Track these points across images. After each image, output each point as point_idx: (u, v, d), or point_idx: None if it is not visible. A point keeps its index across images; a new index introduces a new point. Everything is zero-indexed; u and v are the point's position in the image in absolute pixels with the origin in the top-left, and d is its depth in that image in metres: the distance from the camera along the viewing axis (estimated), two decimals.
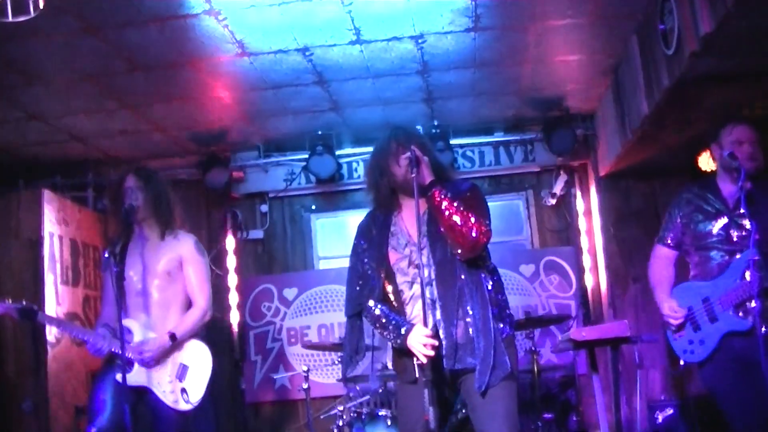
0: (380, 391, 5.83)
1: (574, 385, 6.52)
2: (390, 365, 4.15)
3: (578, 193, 7.72)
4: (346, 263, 3.85)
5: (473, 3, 5.06)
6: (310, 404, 6.21)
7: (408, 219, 3.69)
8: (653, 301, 4.54)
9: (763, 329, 3.73)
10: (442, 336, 3.45)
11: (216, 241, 7.88)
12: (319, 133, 7.39)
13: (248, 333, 7.75)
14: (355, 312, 3.70)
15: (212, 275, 5.05)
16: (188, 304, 4.81)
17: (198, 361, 4.74)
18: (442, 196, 3.48)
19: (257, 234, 8.02)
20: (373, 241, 3.71)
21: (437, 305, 3.49)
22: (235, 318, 7.70)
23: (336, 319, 7.54)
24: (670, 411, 5.97)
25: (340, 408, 5.83)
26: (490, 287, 3.56)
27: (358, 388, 6.06)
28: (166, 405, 4.57)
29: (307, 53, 5.69)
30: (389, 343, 3.70)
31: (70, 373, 6.54)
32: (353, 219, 7.15)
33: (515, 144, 7.74)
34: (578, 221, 7.68)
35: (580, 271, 7.60)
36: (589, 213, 7.73)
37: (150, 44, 5.28)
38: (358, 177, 7.69)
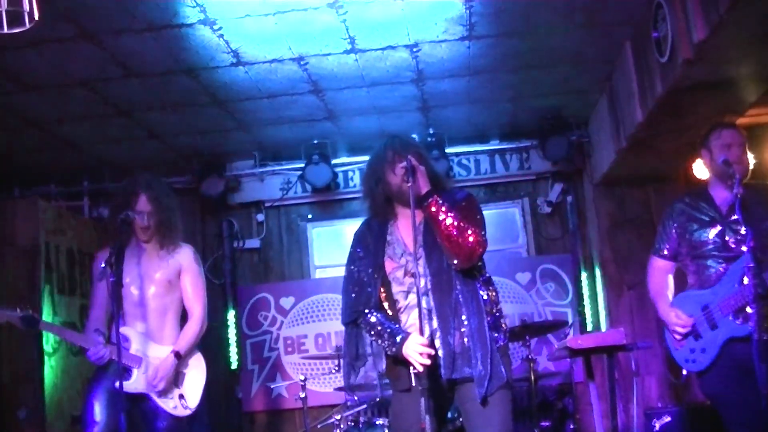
0: (377, 399, 5.83)
1: (571, 392, 6.51)
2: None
3: (573, 201, 7.72)
4: (342, 272, 3.84)
5: (468, 11, 5.07)
6: (307, 413, 6.19)
7: (404, 228, 3.68)
8: (649, 307, 4.54)
9: (758, 335, 3.72)
10: (438, 345, 3.44)
11: (211, 250, 7.88)
12: (315, 142, 7.39)
13: (245, 342, 7.74)
14: (352, 320, 3.69)
15: (208, 284, 5.05)
16: (184, 312, 4.82)
17: (193, 367, 4.76)
18: (439, 206, 3.48)
19: (254, 243, 8.01)
20: (369, 249, 3.70)
21: (433, 315, 3.49)
22: (231, 327, 7.70)
23: (333, 328, 7.53)
24: (667, 418, 5.97)
25: (338, 417, 5.81)
26: (485, 297, 3.56)
27: (356, 397, 6.05)
28: (164, 411, 4.58)
29: (302, 62, 5.70)
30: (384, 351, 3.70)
31: (66, 382, 6.52)
32: (349, 228, 7.15)
33: (511, 152, 7.76)
34: (574, 228, 7.68)
35: (576, 279, 7.60)
36: (585, 220, 7.74)
37: (146, 52, 5.29)
38: (354, 186, 7.70)
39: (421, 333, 3.37)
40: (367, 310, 3.62)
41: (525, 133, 7.62)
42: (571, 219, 7.72)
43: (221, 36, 5.15)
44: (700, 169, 6.51)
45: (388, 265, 3.65)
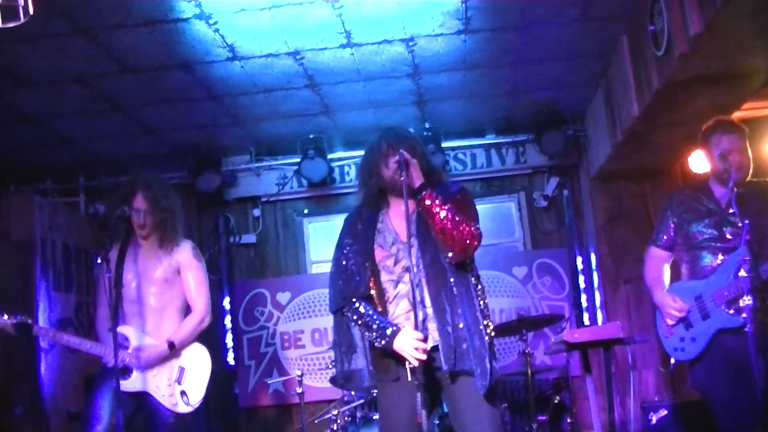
0: (374, 394, 5.82)
1: (568, 386, 6.52)
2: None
3: (570, 195, 7.73)
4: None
5: (463, 5, 5.07)
6: (304, 408, 6.20)
7: (396, 217, 3.67)
8: (645, 301, 4.56)
9: (752, 327, 3.73)
10: (436, 338, 3.44)
11: (208, 245, 7.87)
12: (311, 136, 7.39)
13: (241, 337, 7.74)
14: (339, 308, 3.66)
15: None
16: (185, 309, 4.80)
17: (196, 363, 4.74)
18: (433, 199, 3.48)
19: (250, 238, 8.01)
20: (359, 236, 3.68)
21: (427, 307, 3.48)
22: (228, 323, 7.69)
23: (330, 323, 7.35)
24: (663, 412, 5.98)
25: (335, 412, 5.82)
26: (476, 292, 3.56)
27: (352, 392, 6.05)
28: (165, 408, 4.57)
29: (298, 57, 5.69)
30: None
31: (63, 378, 6.51)
32: None
33: (507, 146, 7.76)
34: (570, 222, 7.68)
35: (572, 273, 7.61)
36: (581, 214, 7.75)
37: (140, 47, 5.27)
38: (350, 180, 7.69)
39: (416, 325, 3.36)
40: (354, 299, 3.58)
41: (521, 128, 7.62)
42: (567, 213, 7.72)
43: (217, 30, 5.13)
44: (696, 163, 6.54)
45: (378, 254, 3.62)
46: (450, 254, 3.47)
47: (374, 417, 5.57)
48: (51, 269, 6.66)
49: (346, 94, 6.54)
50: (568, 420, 6.32)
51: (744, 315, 3.86)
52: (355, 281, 3.60)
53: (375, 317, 3.53)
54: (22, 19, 3.40)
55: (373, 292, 3.63)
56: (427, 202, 3.48)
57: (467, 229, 3.46)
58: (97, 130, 6.80)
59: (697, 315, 4.16)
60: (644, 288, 4.63)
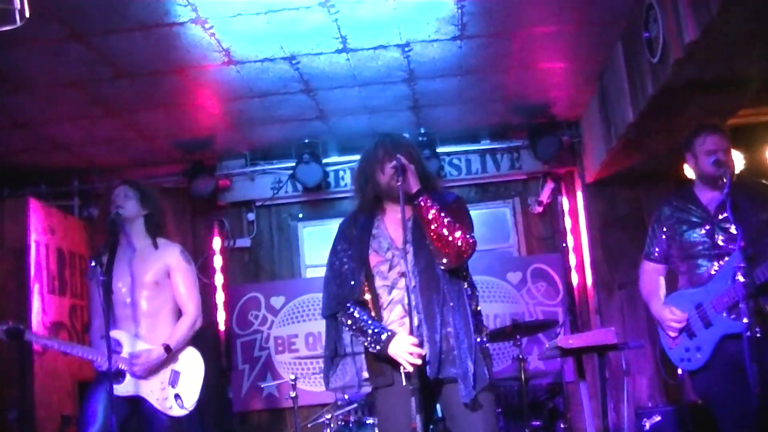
0: (367, 398, 5.82)
1: (562, 392, 6.51)
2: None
3: (564, 200, 7.74)
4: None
5: (459, 11, 5.07)
6: (298, 412, 6.18)
7: (391, 223, 3.67)
8: (639, 307, 4.55)
9: (748, 333, 3.73)
10: (425, 344, 3.43)
11: (202, 249, 7.86)
12: (306, 141, 7.39)
13: (235, 341, 7.73)
14: (332, 313, 3.67)
15: (199, 283, 5.03)
16: (177, 313, 4.81)
17: (190, 367, 4.75)
18: (429, 205, 3.48)
19: (244, 242, 8.00)
20: (353, 241, 3.67)
21: (419, 313, 3.47)
22: (221, 326, 7.68)
23: (324, 327, 7.49)
24: (657, 418, 5.98)
25: (328, 416, 5.81)
26: (469, 299, 3.57)
27: (346, 396, 6.05)
28: (160, 412, 4.58)
29: (293, 61, 5.69)
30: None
31: (56, 382, 6.50)
32: None
33: (501, 151, 7.76)
34: (565, 228, 7.69)
35: (566, 279, 7.61)
36: (576, 220, 7.76)
37: (136, 51, 5.27)
38: (345, 185, 7.69)
39: (411, 331, 3.36)
40: (349, 304, 3.58)
41: (516, 133, 7.63)
42: (562, 219, 7.72)
43: (213, 35, 5.13)
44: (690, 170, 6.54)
45: (373, 259, 3.62)
46: (445, 261, 3.47)
47: (368, 421, 5.58)
48: (45, 273, 6.65)
49: (342, 99, 6.54)
50: (562, 425, 6.31)
51: (745, 320, 3.85)
52: (349, 285, 3.60)
53: (370, 322, 3.52)
54: (18, 23, 3.38)
55: (367, 297, 3.62)
56: (424, 208, 3.48)
57: (462, 236, 3.46)
58: (92, 134, 6.78)
59: (699, 323, 4.15)
60: (639, 294, 4.62)
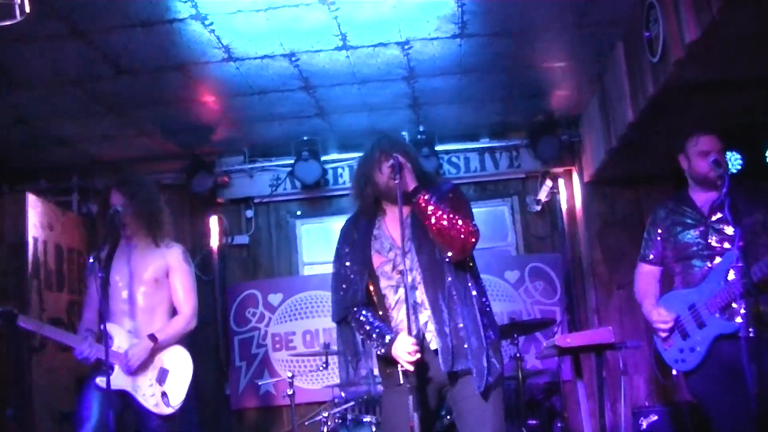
0: (365, 396, 5.83)
1: (559, 391, 6.52)
2: (376, 371, 4.13)
3: (563, 200, 7.74)
4: (331, 269, 3.83)
5: (460, 10, 5.07)
6: (295, 410, 6.18)
7: (391, 223, 3.69)
8: (638, 307, 4.56)
9: (750, 333, 3.73)
10: (436, 339, 3.45)
11: (200, 246, 7.86)
12: (305, 138, 7.38)
13: (233, 339, 7.72)
14: (342, 317, 3.70)
15: (196, 281, 5.03)
16: (172, 312, 4.82)
17: (178, 365, 4.73)
18: (428, 202, 3.49)
19: (242, 239, 8.00)
20: (356, 244, 3.70)
21: (426, 308, 3.49)
22: (219, 324, 7.67)
23: (321, 325, 7.52)
24: (654, 417, 5.99)
25: (325, 414, 5.81)
26: (475, 292, 3.57)
27: (343, 394, 6.04)
28: (147, 409, 4.57)
29: (293, 59, 5.68)
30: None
31: (54, 379, 6.49)
32: (338, 225, 7.01)
33: (501, 150, 7.76)
34: (563, 227, 7.69)
35: (565, 278, 7.61)
36: (575, 219, 7.75)
37: (136, 48, 5.27)
38: (344, 183, 7.68)
39: (409, 329, 3.38)
40: (356, 308, 3.63)
41: (515, 132, 7.64)
42: (561, 218, 7.73)
43: (212, 31, 5.13)
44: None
45: (376, 260, 3.65)
46: (450, 254, 3.49)
47: (365, 419, 5.58)
48: (43, 269, 6.64)
49: (341, 97, 6.54)
50: (559, 424, 6.32)
51: (738, 320, 3.87)
52: (353, 290, 3.64)
53: (375, 325, 3.57)
54: (18, 18, 3.38)
55: (375, 298, 3.67)
56: (422, 205, 3.49)
57: (464, 227, 3.47)
58: (91, 130, 6.78)
59: (692, 324, 4.16)
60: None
